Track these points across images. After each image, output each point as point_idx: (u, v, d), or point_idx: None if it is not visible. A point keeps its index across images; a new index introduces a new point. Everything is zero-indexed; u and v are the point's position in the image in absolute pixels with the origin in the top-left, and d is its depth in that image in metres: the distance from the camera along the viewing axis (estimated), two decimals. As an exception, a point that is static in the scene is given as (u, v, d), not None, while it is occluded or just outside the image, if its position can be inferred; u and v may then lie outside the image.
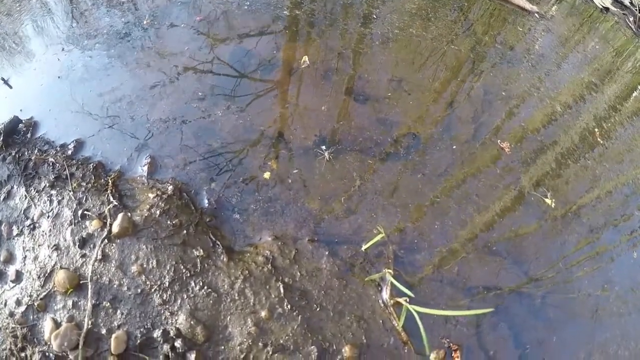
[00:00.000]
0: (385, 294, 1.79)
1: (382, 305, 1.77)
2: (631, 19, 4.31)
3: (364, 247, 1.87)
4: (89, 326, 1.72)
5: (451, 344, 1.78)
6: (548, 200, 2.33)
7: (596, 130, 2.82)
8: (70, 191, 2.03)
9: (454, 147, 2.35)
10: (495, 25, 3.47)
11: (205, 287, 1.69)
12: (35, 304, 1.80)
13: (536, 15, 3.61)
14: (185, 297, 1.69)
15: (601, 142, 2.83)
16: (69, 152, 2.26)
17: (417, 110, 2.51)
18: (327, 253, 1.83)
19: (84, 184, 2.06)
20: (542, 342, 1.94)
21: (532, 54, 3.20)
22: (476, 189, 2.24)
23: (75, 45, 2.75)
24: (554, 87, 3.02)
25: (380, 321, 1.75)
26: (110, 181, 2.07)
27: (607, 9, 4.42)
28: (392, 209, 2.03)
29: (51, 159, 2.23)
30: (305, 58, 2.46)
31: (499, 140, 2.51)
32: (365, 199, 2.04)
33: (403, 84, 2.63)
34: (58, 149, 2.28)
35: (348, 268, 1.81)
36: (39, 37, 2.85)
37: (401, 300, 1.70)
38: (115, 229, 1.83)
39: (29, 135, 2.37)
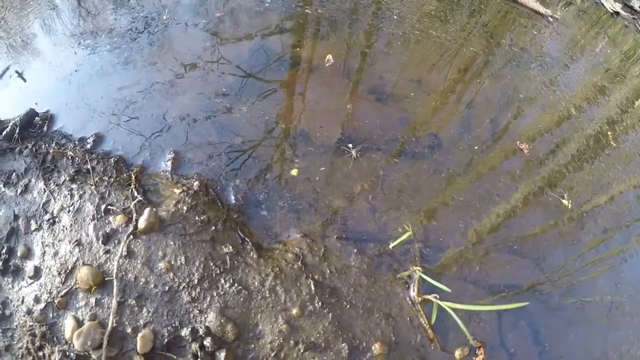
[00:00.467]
0: (413, 292, 1.77)
1: (410, 302, 1.76)
2: (641, 23, 4.33)
3: (391, 245, 1.85)
4: (114, 325, 1.67)
5: (475, 341, 1.78)
6: (565, 201, 2.34)
7: (609, 133, 2.84)
8: (92, 185, 1.97)
9: (475, 147, 2.34)
10: (510, 28, 3.48)
11: (236, 285, 1.66)
12: (56, 301, 1.74)
13: (550, 18, 3.62)
14: (215, 294, 1.65)
15: (614, 144, 2.85)
16: (88, 146, 2.19)
17: (437, 111, 2.50)
18: (355, 251, 1.80)
19: (106, 179, 2.00)
20: (560, 340, 1.95)
21: (546, 56, 3.21)
22: (497, 189, 2.24)
23: (92, 39, 2.68)
24: (568, 90, 3.03)
25: (408, 318, 1.73)
26: (133, 176, 2.02)
27: (617, 13, 4.44)
28: (417, 208, 2.02)
29: (70, 153, 2.16)
30: (329, 57, 2.43)
31: (517, 142, 2.51)
32: (391, 197, 2.02)
33: (423, 84, 2.62)
34: (77, 142, 2.22)
35: (376, 265, 1.79)
36: (55, 31, 2.77)
37: (430, 297, 1.69)
38: (141, 224, 1.77)
39: (45, 128, 2.29)
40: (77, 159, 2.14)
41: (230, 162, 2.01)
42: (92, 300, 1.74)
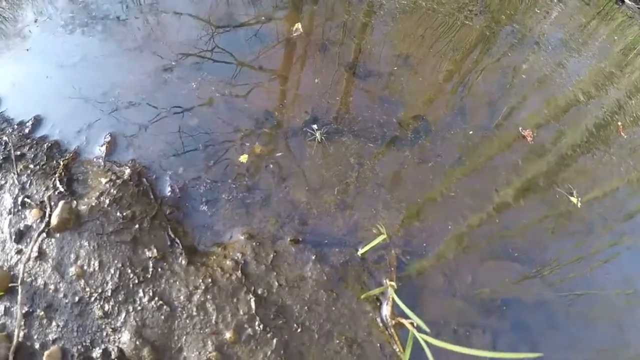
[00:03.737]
0: (386, 311, 1.27)
1: (381, 325, 1.26)
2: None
3: (360, 251, 1.34)
4: (20, 339, 1.24)
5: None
6: (574, 199, 1.78)
7: (619, 124, 2.24)
8: (14, 174, 1.54)
9: (470, 132, 1.80)
10: (512, 5, 2.87)
11: (157, 299, 1.19)
12: (-40, 308, 1.32)
13: (555, -2, 3.01)
14: (131, 309, 1.19)
15: (625, 136, 2.25)
16: (27, 130, 1.75)
17: (425, 90, 1.95)
18: (314, 257, 1.30)
19: (31, 166, 1.56)
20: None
21: (550, 38, 2.60)
22: (495, 183, 1.69)
23: (49, 17, 2.24)
24: (575, 74, 2.42)
25: (378, 345, 1.23)
26: (62, 163, 1.58)
27: (622, 1, 3.79)
28: (396, 204, 1.50)
29: (5, 138, 1.74)
30: (298, 25, 1.91)
31: (520, 128, 1.95)
32: (364, 190, 1.50)
33: (411, 60, 2.07)
34: (15, 127, 1.79)
35: (340, 277, 1.29)
36: (7, 9, 2.34)
37: (406, 323, 1.18)
38: (54, 220, 1.32)
39: (-14, 111, 1.88)
40: (9, 144, 1.71)
41: (172, 147, 1.53)
42: (1, 308, 1.31)
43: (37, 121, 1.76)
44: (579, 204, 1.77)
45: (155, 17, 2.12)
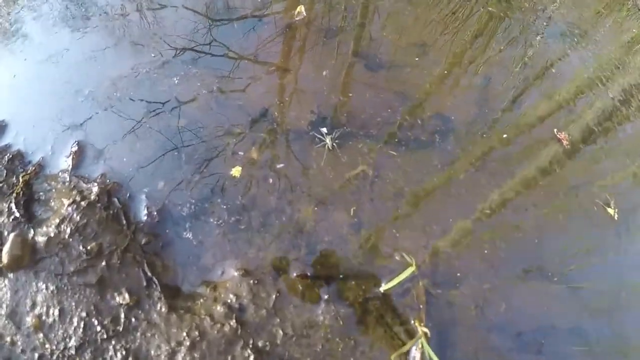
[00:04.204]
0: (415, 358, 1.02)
1: (411, 378, 1.01)
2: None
3: (384, 287, 1.07)
4: None
5: None
6: (610, 210, 1.50)
7: None
8: (-39, 195, 1.27)
9: (504, 135, 1.50)
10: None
11: (131, 359, 0.95)
12: None
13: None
14: (98, 372, 0.95)
15: None
16: (-13, 139, 1.49)
17: (447, 85, 1.65)
18: (326, 297, 1.04)
19: (-15, 184, 1.30)
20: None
21: (576, 28, 2.24)
22: (533, 196, 1.41)
23: (10, 10, 1.91)
24: (606, 70, 2.07)
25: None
26: (21, 179, 1.31)
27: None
28: (422, 223, 1.23)
29: (-42, 149, 1.46)
30: (301, 8, 1.58)
31: (555, 129, 1.64)
32: (384, 207, 1.23)
33: (428, 49, 1.75)
34: (-26, 135, 1.51)
35: (358, 319, 1.04)
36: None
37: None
38: (4, 258, 1.07)
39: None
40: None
41: (150, 157, 1.24)
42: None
43: (0, 127, 1.48)
44: (616, 216, 1.48)
45: (133, 4, 1.79)
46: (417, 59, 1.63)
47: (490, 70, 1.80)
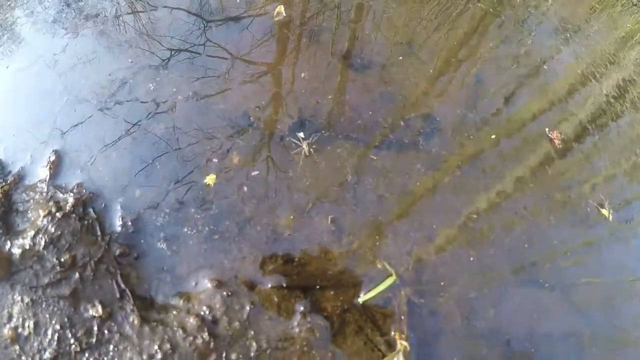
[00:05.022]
0: (395, 372, 0.98)
1: (390, 390, 0.97)
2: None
3: (362, 298, 1.04)
4: None
5: None
6: (605, 212, 1.42)
7: None
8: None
9: (492, 136, 1.42)
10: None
11: (101, 372, 0.93)
12: None
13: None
14: (71, 386, 0.94)
15: None
16: (-36, 147, 1.47)
17: (434, 84, 1.57)
18: (302, 308, 1.01)
19: (-38, 195, 1.28)
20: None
21: (568, 23, 2.10)
22: (524, 200, 1.34)
23: (10, 27, 1.88)
24: (600, 66, 1.94)
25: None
26: (1, 191, 1.29)
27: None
28: (405, 230, 1.17)
29: None
30: (281, 8, 1.52)
31: (547, 129, 1.55)
32: (365, 214, 1.18)
33: (415, 48, 1.67)
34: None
35: (336, 331, 1.00)
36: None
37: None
38: (-22, 269, 1.06)
39: None
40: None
41: (127, 165, 1.21)
42: None
43: (-21, 136, 1.46)
44: (611, 218, 1.41)
45: (113, 7, 1.74)
46: (400, 58, 1.55)
47: (481, 68, 1.71)
